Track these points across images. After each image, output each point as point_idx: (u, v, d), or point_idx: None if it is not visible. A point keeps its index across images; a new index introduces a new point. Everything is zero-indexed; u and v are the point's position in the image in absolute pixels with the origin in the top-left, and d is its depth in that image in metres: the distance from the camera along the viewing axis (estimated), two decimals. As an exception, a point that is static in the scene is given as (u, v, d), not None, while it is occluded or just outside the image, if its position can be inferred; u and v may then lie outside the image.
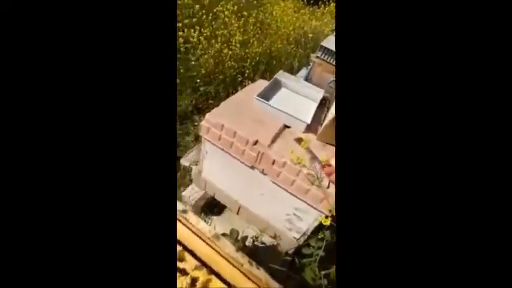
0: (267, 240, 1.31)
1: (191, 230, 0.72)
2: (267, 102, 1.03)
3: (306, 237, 1.11)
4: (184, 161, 1.41)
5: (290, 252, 1.24)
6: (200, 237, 0.71)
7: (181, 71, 2.05)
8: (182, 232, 0.71)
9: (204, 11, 2.30)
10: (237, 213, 1.31)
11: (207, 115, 1.03)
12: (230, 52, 2.26)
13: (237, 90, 2.37)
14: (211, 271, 0.65)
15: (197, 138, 2.05)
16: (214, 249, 0.70)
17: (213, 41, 2.24)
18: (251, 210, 1.23)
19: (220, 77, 2.25)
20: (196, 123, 2.16)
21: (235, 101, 1.11)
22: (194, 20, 2.21)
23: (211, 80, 2.24)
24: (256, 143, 0.95)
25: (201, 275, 0.63)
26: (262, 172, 1.00)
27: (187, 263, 0.64)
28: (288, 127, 1.05)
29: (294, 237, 1.16)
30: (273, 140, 0.97)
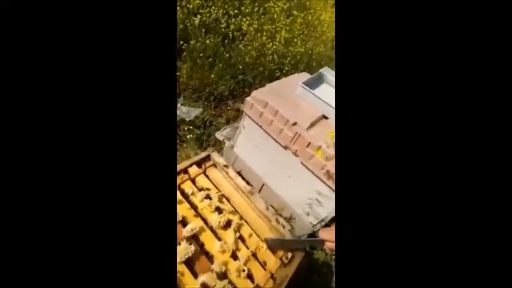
0: (281, 222, 1.38)
1: (230, 183, 0.81)
2: (311, 90, 1.10)
3: (323, 224, 1.17)
4: (219, 135, 1.52)
5: (303, 237, 1.30)
6: (237, 191, 0.79)
7: (226, 56, 2.17)
8: (222, 183, 0.80)
9: (256, 4, 2.41)
10: (259, 192, 1.39)
11: (254, 92, 1.12)
12: (273, 47, 2.35)
13: (272, 84, 2.46)
14: (243, 219, 0.73)
15: (228, 121, 2.16)
16: (247, 202, 0.78)
17: (259, 34, 2.34)
18: (273, 190, 1.30)
19: (260, 68, 2.35)
20: (229, 108, 2.27)
21: (280, 85, 1.19)
22: (247, 10, 2.32)
23: (251, 70, 2.34)
24: (295, 124, 1.03)
25: (235, 219, 0.71)
26: (295, 153, 1.08)
27: (226, 206, 0.73)
28: (326, 118, 1.12)
29: (311, 223, 1.22)
30: (311, 125, 1.04)
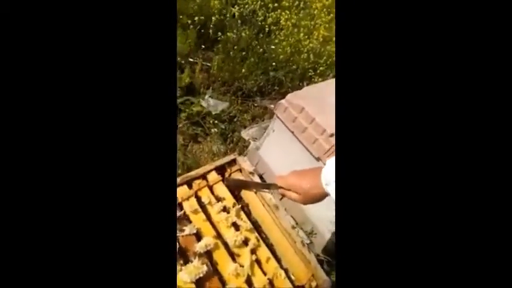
0: (301, 235, 1.29)
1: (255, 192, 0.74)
2: (353, 98, 0.99)
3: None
4: (245, 134, 1.44)
5: (321, 254, 1.21)
6: (261, 202, 0.72)
7: (260, 50, 2.08)
8: (245, 190, 0.73)
9: (297, -2, 2.28)
10: (280, 200, 1.31)
11: (289, 95, 1.02)
12: (310, 45, 2.21)
13: (303, 84, 2.33)
14: (262, 238, 0.65)
15: (254, 119, 2.08)
16: (272, 218, 0.70)
17: (296, 29, 2.21)
18: (297, 201, 1.21)
19: (293, 66, 2.23)
20: (256, 105, 2.18)
21: (318, 90, 1.08)
22: (286, 4, 2.21)
23: (283, 68, 2.22)
24: (332, 135, 0.92)
25: (252, 238, 0.64)
26: (327, 167, 0.97)
27: (243, 223, 0.65)
28: (366, 130, 1.00)
29: (333, 241, 1.12)
30: (349, 138, 0.93)
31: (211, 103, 1.90)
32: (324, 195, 0.57)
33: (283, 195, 0.66)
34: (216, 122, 1.87)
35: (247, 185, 0.76)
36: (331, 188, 0.52)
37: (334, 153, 0.92)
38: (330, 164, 0.53)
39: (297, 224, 1.27)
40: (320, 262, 1.17)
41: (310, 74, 2.28)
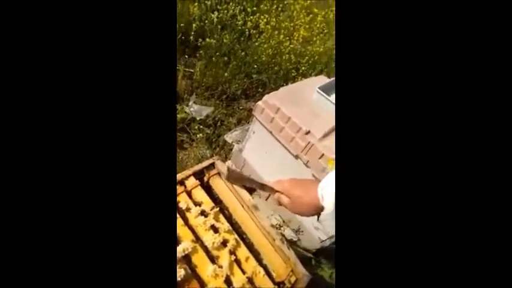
0: (288, 233, 1.31)
1: (233, 194, 0.75)
2: (327, 96, 1.01)
3: (333, 240, 1.09)
4: (228, 138, 1.46)
5: (309, 251, 1.22)
6: (240, 204, 0.73)
7: (242, 54, 2.10)
8: (224, 193, 0.74)
9: (275, 1, 2.31)
10: (266, 200, 1.32)
11: (266, 96, 1.04)
12: (291, 46, 2.24)
13: (287, 85, 2.36)
14: (242, 238, 0.67)
15: (239, 122, 2.09)
16: (251, 218, 0.71)
17: (276, 32, 2.24)
18: (281, 200, 1.22)
19: (276, 68, 2.25)
20: (241, 108, 2.20)
21: (294, 89, 1.10)
22: (265, 8, 2.24)
23: (266, 70, 2.25)
24: (308, 133, 0.94)
25: (231, 239, 0.65)
26: (306, 164, 0.99)
27: (221, 225, 0.66)
28: (342, 126, 1.03)
29: (319, 238, 1.13)
30: (325, 135, 0.95)
31: (196, 108, 1.90)
32: (314, 209, 0.56)
33: (278, 201, 0.64)
34: (201, 127, 1.88)
35: (247, 180, 0.73)
36: (326, 193, 0.51)
37: (322, 157, 0.94)
38: (329, 176, 0.53)
39: (283, 222, 1.28)
40: (308, 259, 1.19)
41: (293, 74, 2.31)
